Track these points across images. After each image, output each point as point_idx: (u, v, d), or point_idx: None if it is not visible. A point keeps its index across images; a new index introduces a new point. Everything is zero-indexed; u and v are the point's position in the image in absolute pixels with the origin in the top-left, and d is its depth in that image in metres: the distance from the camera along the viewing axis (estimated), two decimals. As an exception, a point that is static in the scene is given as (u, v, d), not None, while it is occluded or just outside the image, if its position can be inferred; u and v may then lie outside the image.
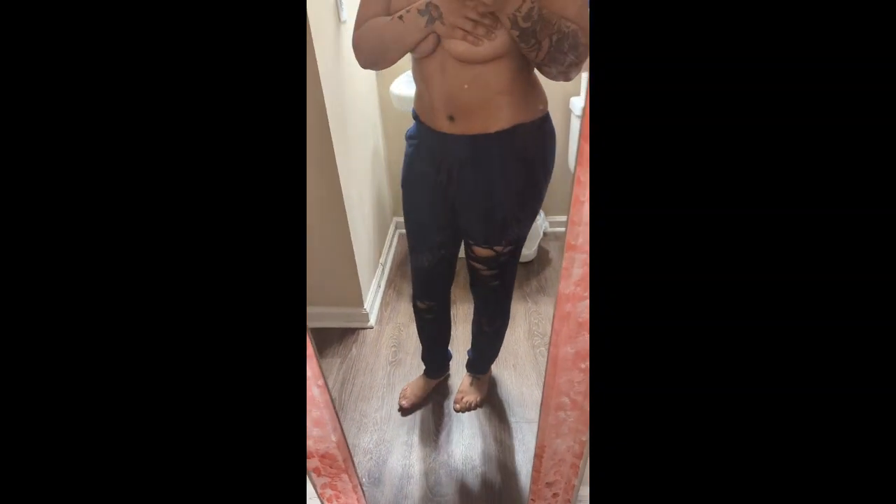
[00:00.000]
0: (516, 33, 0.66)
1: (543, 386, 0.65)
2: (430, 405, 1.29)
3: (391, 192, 1.98)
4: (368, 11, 0.80)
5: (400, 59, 0.84)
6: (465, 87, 0.77)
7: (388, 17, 0.77)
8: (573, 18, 0.68)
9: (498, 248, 0.94)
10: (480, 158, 0.84)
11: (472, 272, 1.05)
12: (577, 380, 0.62)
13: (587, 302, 0.53)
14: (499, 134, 0.80)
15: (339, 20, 1.19)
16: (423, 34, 0.73)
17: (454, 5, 0.67)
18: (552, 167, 0.90)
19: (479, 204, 0.90)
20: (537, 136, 0.84)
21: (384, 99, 1.75)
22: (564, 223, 1.93)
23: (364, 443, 1.20)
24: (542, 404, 0.67)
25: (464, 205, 0.91)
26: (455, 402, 1.28)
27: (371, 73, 1.65)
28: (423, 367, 1.32)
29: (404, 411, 1.27)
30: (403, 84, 1.52)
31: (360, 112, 1.50)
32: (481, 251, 0.96)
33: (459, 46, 0.71)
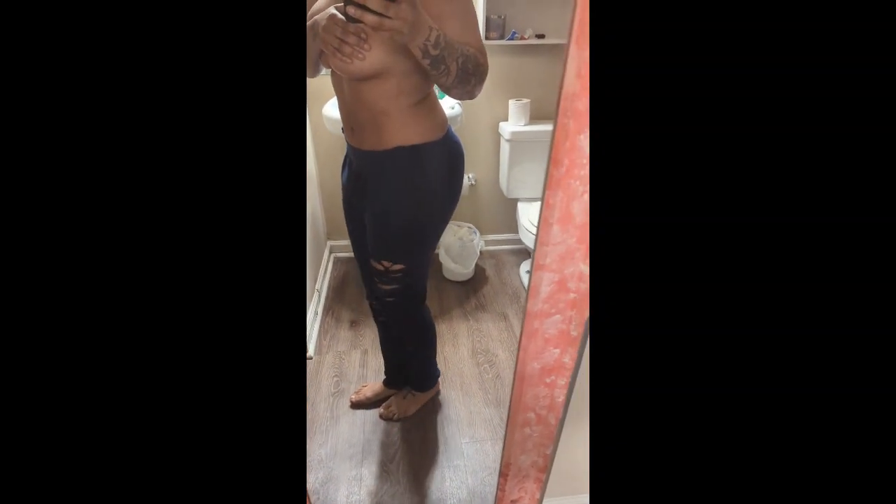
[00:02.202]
0: (427, 62, 0.70)
1: (510, 403, 0.66)
2: (376, 436, 1.25)
3: (324, 215, 1.92)
4: None
5: (315, 69, 0.88)
6: (354, 103, 0.83)
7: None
8: (469, 42, 0.75)
9: (386, 264, 0.97)
10: (371, 173, 0.90)
11: (372, 283, 1.07)
12: (543, 394, 0.64)
13: (554, 318, 0.56)
14: (383, 153, 0.86)
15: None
16: (316, 48, 0.78)
17: (327, 24, 0.71)
18: (448, 191, 0.93)
19: (372, 216, 0.95)
20: (423, 160, 0.87)
21: (315, 121, 1.72)
22: (498, 241, 1.99)
23: (309, 482, 1.12)
24: (507, 422, 0.67)
25: (367, 215, 0.97)
26: (382, 408, 1.30)
27: (302, 95, 1.61)
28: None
29: (352, 405, 1.34)
30: (336, 107, 1.50)
31: (293, 134, 1.45)
32: (374, 263, 1.00)
33: (336, 62, 0.75)
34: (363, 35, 0.71)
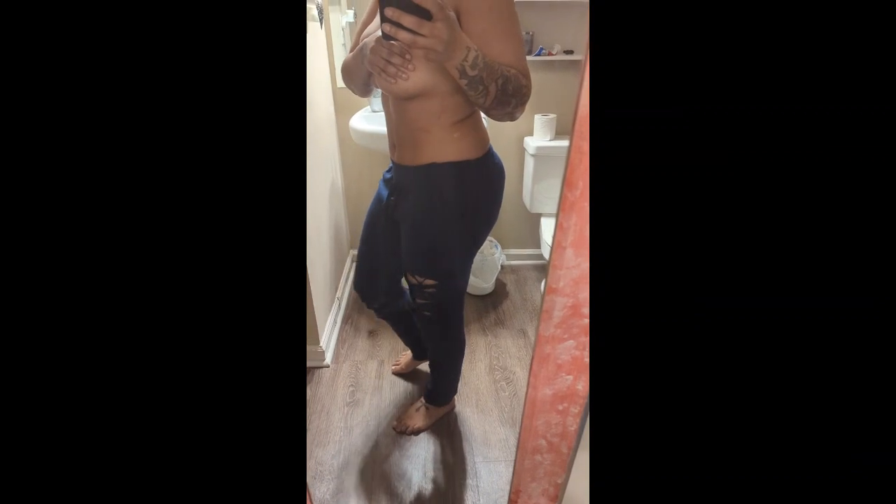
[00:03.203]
0: (465, 82, 0.70)
1: (520, 429, 0.64)
2: (389, 449, 1.23)
3: (349, 225, 1.94)
4: (354, 43, 0.91)
5: (366, 89, 0.92)
6: (398, 120, 0.85)
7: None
8: (511, 63, 0.73)
9: (419, 278, 0.98)
10: (409, 188, 0.92)
11: (411, 297, 1.08)
12: (555, 421, 0.61)
13: (567, 344, 0.54)
14: (417, 168, 0.87)
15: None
16: (366, 69, 0.81)
17: (374, 45, 0.74)
18: (481, 211, 0.92)
19: (407, 231, 0.96)
20: (459, 178, 0.87)
21: (343, 132, 1.74)
22: (520, 256, 1.96)
23: (320, 493, 1.12)
24: (518, 448, 0.65)
25: (402, 228, 0.98)
26: (395, 420, 1.30)
27: (329, 106, 1.64)
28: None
29: (393, 372, 1.49)
30: (362, 118, 1.52)
31: (318, 145, 1.48)
32: (409, 277, 1.01)
33: (382, 82, 0.77)
34: (408, 56, 0.73)
